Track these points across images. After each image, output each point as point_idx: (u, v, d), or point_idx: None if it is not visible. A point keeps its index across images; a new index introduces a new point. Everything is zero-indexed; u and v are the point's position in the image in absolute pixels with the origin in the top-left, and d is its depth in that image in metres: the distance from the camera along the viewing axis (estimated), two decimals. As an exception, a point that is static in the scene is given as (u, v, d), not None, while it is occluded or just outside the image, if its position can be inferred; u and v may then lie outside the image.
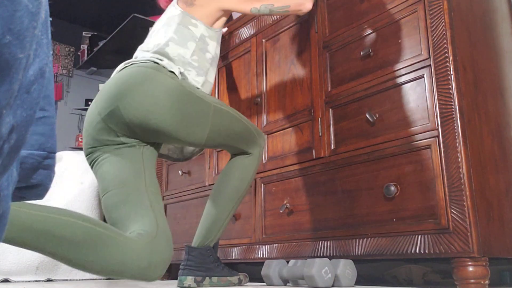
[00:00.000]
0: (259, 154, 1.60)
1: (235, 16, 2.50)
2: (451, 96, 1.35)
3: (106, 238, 1.09)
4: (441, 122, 1.36)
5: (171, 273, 2.56)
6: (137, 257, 1.11)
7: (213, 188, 1.61)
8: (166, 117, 1.33)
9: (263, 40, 2.13)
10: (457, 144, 1.30)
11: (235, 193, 1.56)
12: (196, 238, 1.60)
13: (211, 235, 1.57)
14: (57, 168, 2.69)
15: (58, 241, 1.04)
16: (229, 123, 1.48)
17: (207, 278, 1.57)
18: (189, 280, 1.56)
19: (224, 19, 1.64)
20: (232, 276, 1.63)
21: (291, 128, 1.88)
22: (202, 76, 1.53)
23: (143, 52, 1.52)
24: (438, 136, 1.36)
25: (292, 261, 1.57)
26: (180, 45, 1.50)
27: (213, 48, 1.59)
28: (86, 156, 1.39)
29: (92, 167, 1.39)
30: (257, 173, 1.99)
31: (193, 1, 1.58)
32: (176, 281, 2.21)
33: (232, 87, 2.26)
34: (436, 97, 1.39)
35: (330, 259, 1.45)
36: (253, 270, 2.41)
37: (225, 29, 2.31)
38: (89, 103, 4.44)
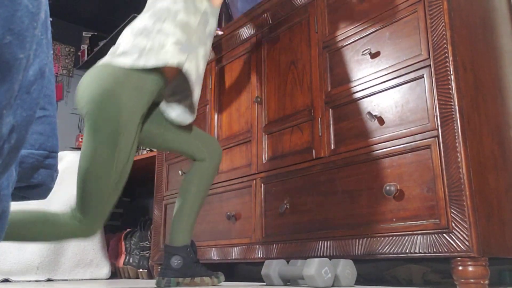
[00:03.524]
0: None
1: (235, 16, 2.50)
2: (451, 96, 1.35)
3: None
4: (441, 122, 1.36)
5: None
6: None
7: None
8: None
9: (263, 40, 2.13)
10: (457, 144, 1.30)
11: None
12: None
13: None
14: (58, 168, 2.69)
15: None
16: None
17: (187, 278, 1.62)
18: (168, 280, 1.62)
19: None
20: (208, 276, 1.67)
21: (291, 128, 1.88)
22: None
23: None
24: (438, 136, 1.36)
25: (292, 261, 1.57)
26: None
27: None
28: None
29: None
30: (257, 173, 1.99)
31: None
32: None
33: (232, 87, 2.26)
34: (436, 97, 1.39)
35: (330, 259, 1.45)
36: (253, 270, 2.41)
37: (220, 33, 2.32)
38: (89, 103, 4.44)
